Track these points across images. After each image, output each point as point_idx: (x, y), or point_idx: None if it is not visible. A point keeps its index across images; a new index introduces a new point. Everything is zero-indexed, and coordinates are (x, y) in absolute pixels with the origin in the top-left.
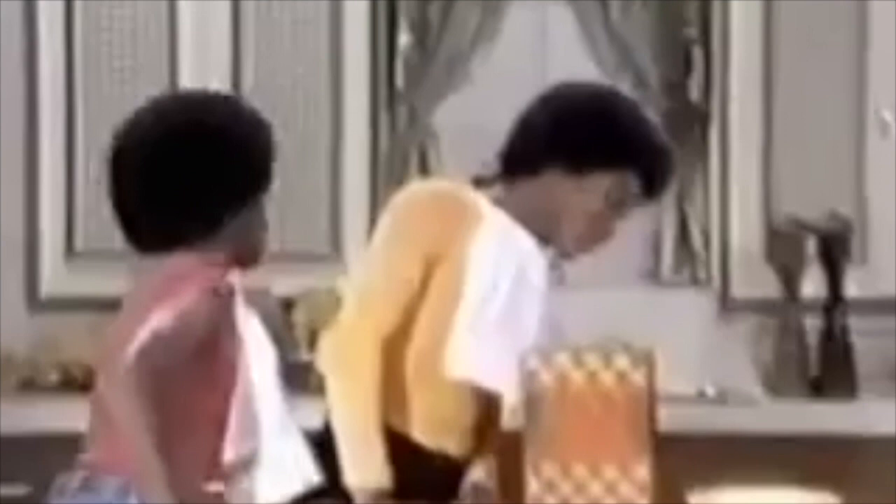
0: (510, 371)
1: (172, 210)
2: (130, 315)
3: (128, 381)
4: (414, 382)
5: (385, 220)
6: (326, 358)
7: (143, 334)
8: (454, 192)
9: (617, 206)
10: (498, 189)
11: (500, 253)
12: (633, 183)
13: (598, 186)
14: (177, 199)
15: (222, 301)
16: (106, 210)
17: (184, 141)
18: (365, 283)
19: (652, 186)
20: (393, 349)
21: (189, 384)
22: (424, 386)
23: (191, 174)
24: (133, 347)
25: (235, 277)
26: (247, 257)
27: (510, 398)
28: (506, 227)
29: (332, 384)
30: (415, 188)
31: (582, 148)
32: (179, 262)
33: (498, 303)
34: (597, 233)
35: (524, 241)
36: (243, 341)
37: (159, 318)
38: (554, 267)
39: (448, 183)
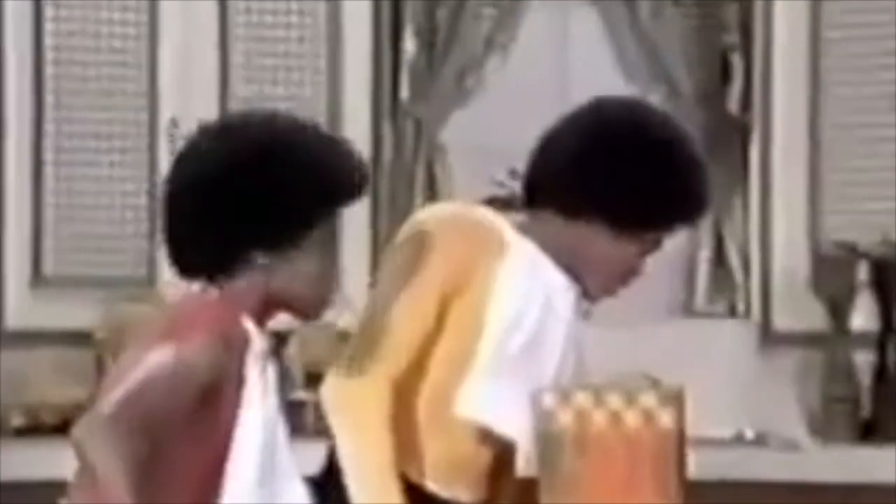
0: (527, 416)
1: (193, 245)
2: (131, 354)
3: (106, 425)
4: (426, 421)
5: (397, 249)
6: (333, 405)
7: (137, 374)
8: (475, 216)
9: (652, 250)
10: (521, 215)
11: (528, 284)
12: (674, 229)
13: (639, 241)
14: (196, 236)
15: (230, 350)
16: (76, 231)
17: (218, 175)
18: (375, 318)
19: (691, 225)
20: (405, 388)
21: (180, 435)
22: (437, 425)
23: (214, 211)
24: (120, 391)
25: (253, 325)
26: (294, 304)
27: (524, 446)
28: (534, 257)
29: (341, 434)
30: (430, 213)
31: (631, 213)
32: (197, 300)
33: (522, 337)
34: (627, 277)
35: (552, 272)
36: (247, 397)
37: (158, 359)
38: (580, 300)
39: (467, 207)
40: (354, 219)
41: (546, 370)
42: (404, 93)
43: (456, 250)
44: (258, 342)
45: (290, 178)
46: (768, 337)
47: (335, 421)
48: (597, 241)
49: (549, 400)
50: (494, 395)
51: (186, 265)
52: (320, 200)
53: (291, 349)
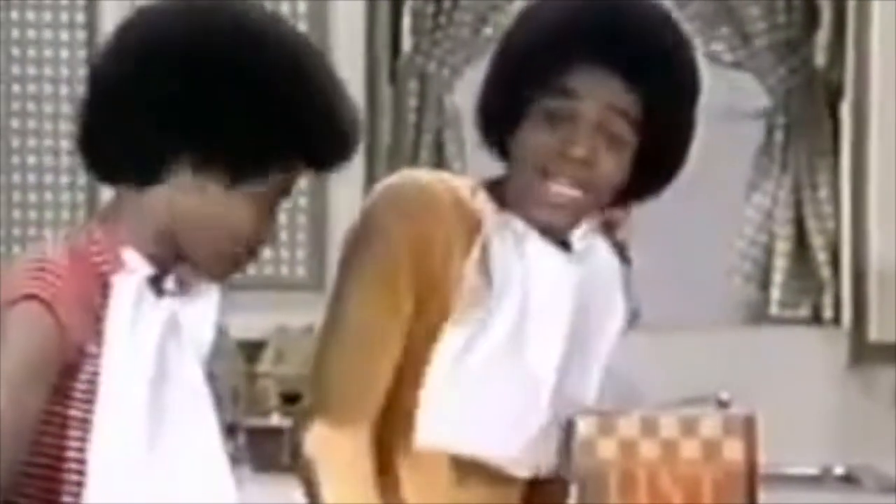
0: (508, 432)
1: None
2: None
3: None
4: (402, 458)
5: (353, 235)
6: (303, 455)
7: None
8: (445, 187)
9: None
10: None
11: (505, 272)
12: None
13: (543, 105)
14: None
15: (67, 303)
16: None
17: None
18: (332, 338)
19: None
20: (379, 423)
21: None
22: (417, 467)
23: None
24: None
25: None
26: (188, 249)
27: (513, 468)
28: (518, 236)
29: (321, 490)
30: (390, 185)
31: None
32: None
33: (498, 337)
34: (552, 164)
35: (546, 253)
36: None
37: None
38: (628, 299)
39: (438, 175)
40: (345, 204)
41: (539, 370)
42: (406, 43)
43: (425, 232)
44: (135, 265)
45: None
46: (862, 349)
47: (315, 477)
48: (517, 145)
49: (586, 427)
50: (462, 407)
51: (99, 153)
52: (288, 137)
53: (266, 363)
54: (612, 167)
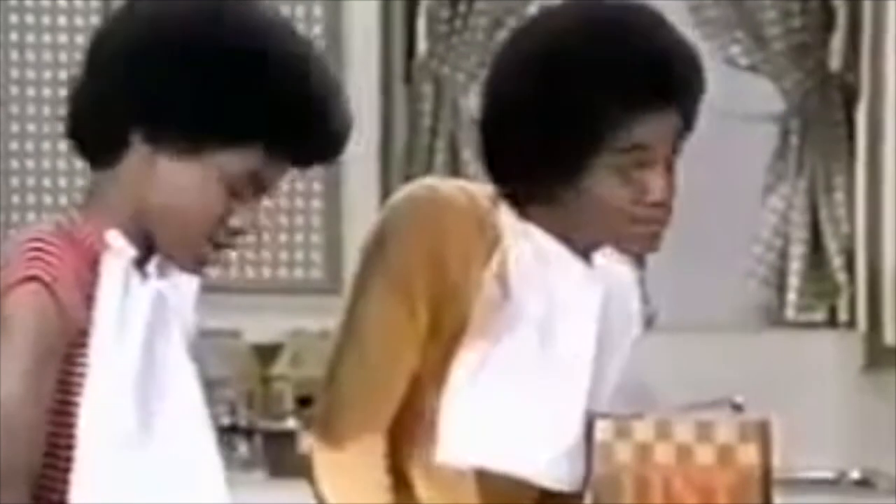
0: (537, 445)
1: (78, 98)
2: None
3: None
4: (418, 466)
5: (370, 243)
6: (315, 474)
7: None
8: (464, 196)
9: (661, 163)
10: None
11: (524, 282)
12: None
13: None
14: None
15: (65, 287)
16: None
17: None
18: (347, 345)
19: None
20: (396, 435)
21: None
22: (431, 470)
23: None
24: None
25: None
26: (156, 230)
27: (543, 481)
28: (540, 248)
29: None
30: (408, 193)
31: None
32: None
33: (519, 348)
34: (639, 212)
35: (570, 267)
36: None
37: None
38: (643, 302)
39: (457, 184)
40: (360, 209)
41: (570, 380)
42: (421, 46)
43: (437, 242)
44: (120, 245)
45: (240, 62)
46: (877, 353)
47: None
48: (580, 196)
49: (603, 431)
50: (484, 424)
51: (77, 134)
52: (261, 114)
53: (281, 365)
54: (674, 186)
